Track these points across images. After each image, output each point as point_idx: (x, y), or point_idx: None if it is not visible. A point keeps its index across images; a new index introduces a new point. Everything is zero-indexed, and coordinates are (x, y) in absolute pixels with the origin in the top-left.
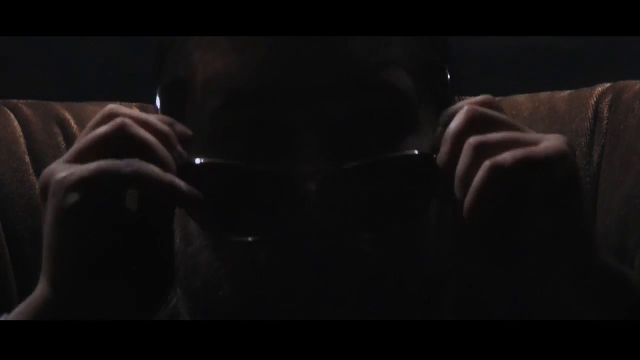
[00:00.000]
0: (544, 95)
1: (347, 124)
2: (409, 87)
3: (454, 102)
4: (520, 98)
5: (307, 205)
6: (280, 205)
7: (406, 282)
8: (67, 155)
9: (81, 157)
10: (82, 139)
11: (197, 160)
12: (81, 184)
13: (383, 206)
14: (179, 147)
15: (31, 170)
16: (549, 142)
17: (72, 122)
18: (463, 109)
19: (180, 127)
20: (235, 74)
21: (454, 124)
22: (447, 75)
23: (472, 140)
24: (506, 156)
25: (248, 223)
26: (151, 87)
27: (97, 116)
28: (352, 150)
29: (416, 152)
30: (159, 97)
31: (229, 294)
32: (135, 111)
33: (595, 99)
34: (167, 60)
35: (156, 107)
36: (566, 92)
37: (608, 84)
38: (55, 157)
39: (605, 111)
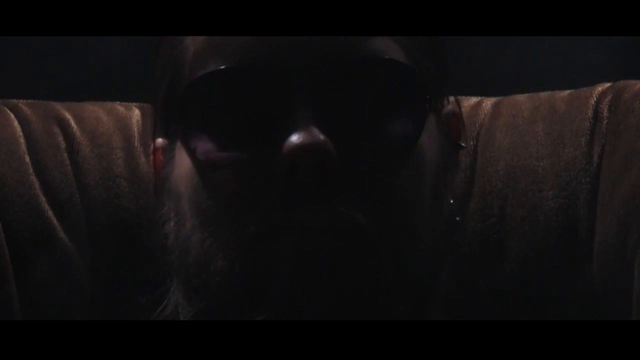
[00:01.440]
0: (544, 95)
1: (337, 93)
2: (397, 57)
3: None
4: (521, 98)
5: (297, 119)
6: (270, 122)
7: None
8: None
9: None
10: None
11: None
12: None
13: (372, 122)
14: None
15: (31, 170)
16: None
17: (72, 122)
18: None
19: None
20: (225, 48)
21: None
22: (439, 57)
23: None
24: None
25: (239, 141)
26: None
27: None
28: (343, 116)
29: (403, 62)
30: (153, 88)
31: (219, 269)
32: None
33: (595, 99)
34: (161, 52)
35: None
36: (566, 92)
37: (608, 84)
38: (55, 157)
39: (605, 111)
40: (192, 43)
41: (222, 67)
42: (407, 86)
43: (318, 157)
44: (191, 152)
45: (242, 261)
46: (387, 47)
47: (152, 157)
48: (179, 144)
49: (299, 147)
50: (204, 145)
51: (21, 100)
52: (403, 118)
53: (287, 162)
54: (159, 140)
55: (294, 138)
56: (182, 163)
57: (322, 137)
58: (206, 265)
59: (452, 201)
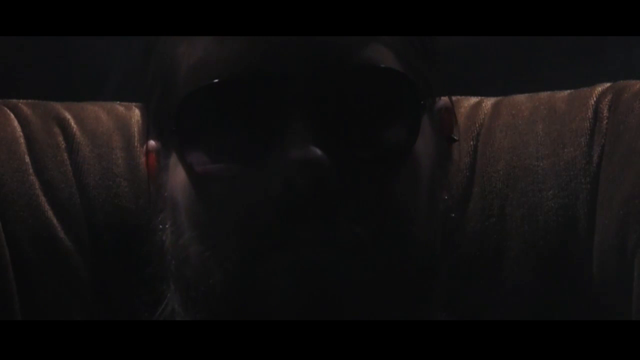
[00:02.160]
0: (544, 95)
1: (332, 104)
2: (392, 64)
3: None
4: (520, 98)
5: (292, 132)
6: (266, 134)
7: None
8: None
9: None
10: None
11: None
12: None
13: (368, 134)
14: None
15: (31, 170)
16: None
17: (72, 122)
18: None
19: None
20: (219, 61)
21: None
22: (432, 59)
23: None
24: None
25: (234, 155)
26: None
27: None
28: (339, 126)
29: (398, 69)
30: (146, 94)
31: (218, 282)
32: None
33: (595, 99)
34: (153, 58)
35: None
36: (566, 92)
37: (608, 84)
38: (55, 157)
39: (605, 111)
40: (186, 53)
41: (216, 80)
42: (403, 93)
43: (315, 174)
44: (187, 165)
45: (240, 275)
46: (381, 54)
47: (144, 159)
48: (174, 153)
49: (295, 164)
50: (199, 158)
51: (21, 100)
52: (398, 125)
53: (283, 178)
54: (152, 143)
55: (290, 154)
56: (178, 172)
57: (318, 152)
58: (205, 278)
59: (446, 197)
